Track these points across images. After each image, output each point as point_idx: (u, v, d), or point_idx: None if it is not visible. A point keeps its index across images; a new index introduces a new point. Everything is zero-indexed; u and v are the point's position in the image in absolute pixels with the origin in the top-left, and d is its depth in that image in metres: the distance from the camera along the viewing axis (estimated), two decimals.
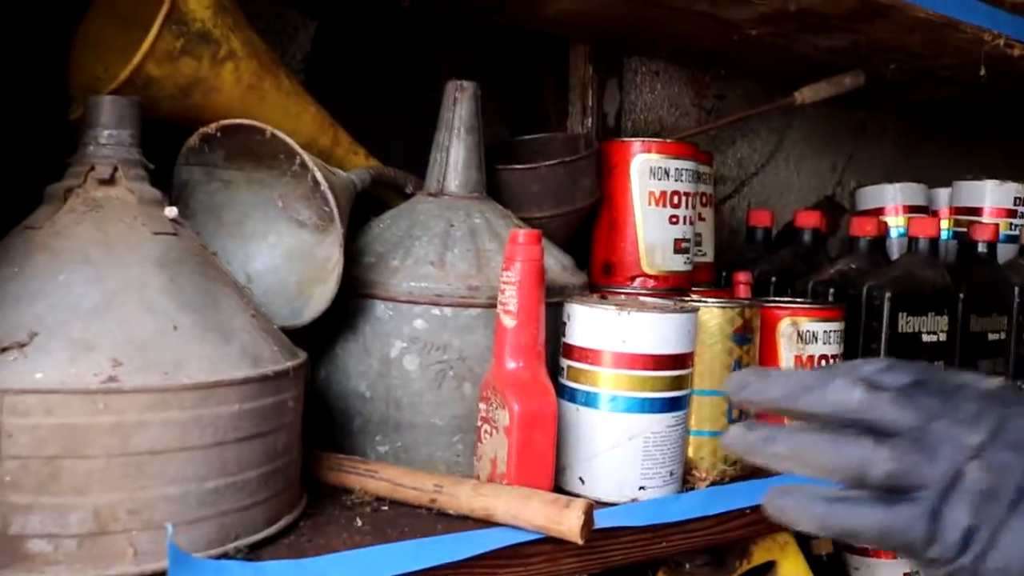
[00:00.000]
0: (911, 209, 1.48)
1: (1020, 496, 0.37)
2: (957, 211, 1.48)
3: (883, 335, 1.01)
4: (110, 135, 0.67)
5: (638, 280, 1.01)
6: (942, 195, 1.53)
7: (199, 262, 0.67)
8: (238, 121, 0.74)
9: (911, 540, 0.39)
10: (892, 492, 0.40)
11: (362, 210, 0.91)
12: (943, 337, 1.12)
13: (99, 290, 0.60)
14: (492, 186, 0.92)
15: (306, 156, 0.73)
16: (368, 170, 0.87)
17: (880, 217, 1.36)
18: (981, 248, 1.29)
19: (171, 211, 0.67)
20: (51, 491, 0.55)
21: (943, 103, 1.57)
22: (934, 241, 1.20)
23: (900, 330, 1.03)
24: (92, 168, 0.66)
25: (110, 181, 0.66)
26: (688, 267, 1.03)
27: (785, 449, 0.42)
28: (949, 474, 0.38)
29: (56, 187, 0.66)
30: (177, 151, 0.78)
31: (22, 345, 0.56)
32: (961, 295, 1.17)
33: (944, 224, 1.44)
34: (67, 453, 0.55)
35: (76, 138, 0.70)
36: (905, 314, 1.03)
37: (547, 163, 0.96)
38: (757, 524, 0.86)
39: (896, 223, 1.45)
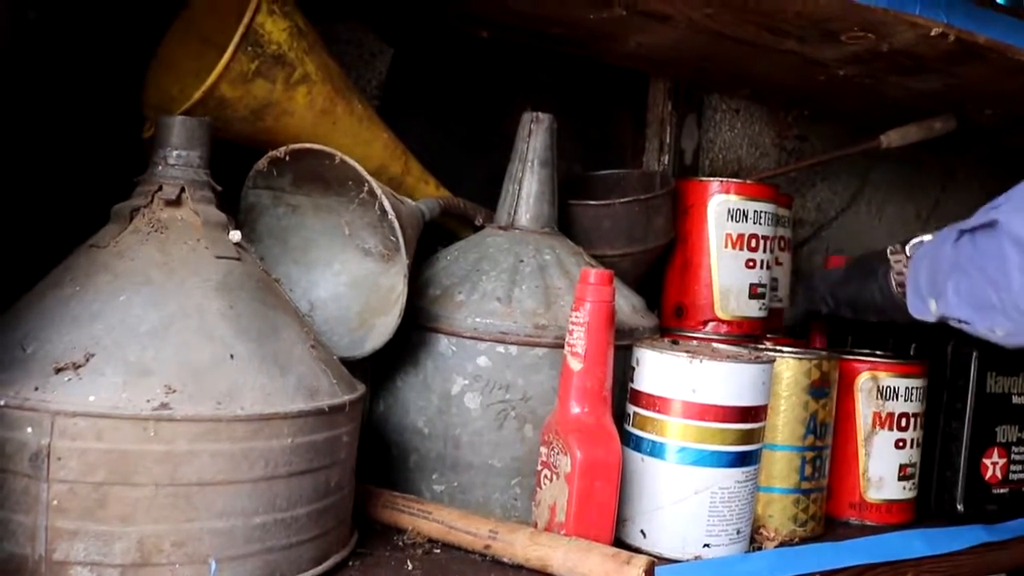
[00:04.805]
0: None
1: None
2: None
3: (969, 394, 0.96)
4: (179, 155, 0.66)
5: (710, 325, 0.98)
6: None
7: (260, 288, 0.65)
8: (307, 145, 0.73)
9: None
10: None
11: (430, 240, 0.89)
12: None
13: (158, 313, 0.59)
14: (564, 221, 0.90)
15: (374, 183, 0.71)
16: (438, 200, 0.85)
17: None
18: None
19: (235, 235, 0.66)
20: (97, 518, 0.53)
21: None
22: None
23: (989, 390, 0.97)
24: (159, 188, 0.65)
25: (176, 202, 0.65)
26: (763, 313, 0.99)
27: None
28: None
29: (123, 206, 0.65)
30: (247, 173, 0.77)
31: (77, 366, 0.55)
32: None
33: None
34: (115, 480, 0.53)
35: (148, 157, 0.69)
36: (994, 373, 0.97)
37: (621, 200, 0.93)
38: None
39: None
